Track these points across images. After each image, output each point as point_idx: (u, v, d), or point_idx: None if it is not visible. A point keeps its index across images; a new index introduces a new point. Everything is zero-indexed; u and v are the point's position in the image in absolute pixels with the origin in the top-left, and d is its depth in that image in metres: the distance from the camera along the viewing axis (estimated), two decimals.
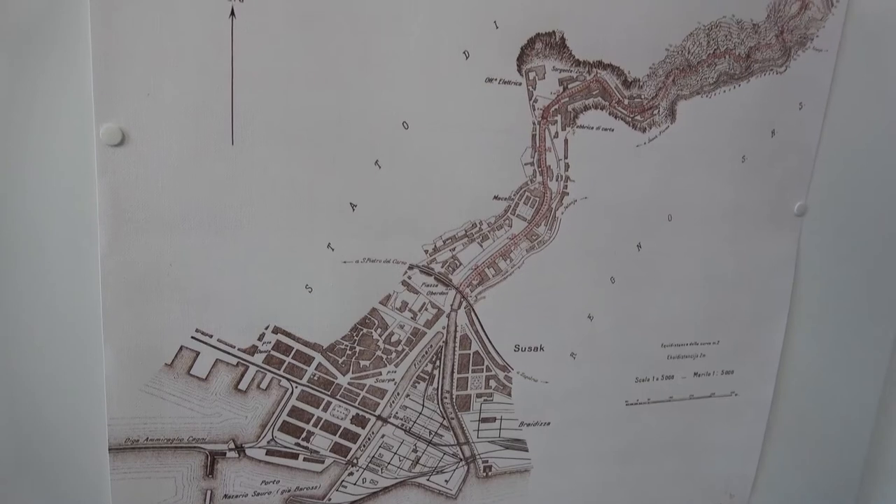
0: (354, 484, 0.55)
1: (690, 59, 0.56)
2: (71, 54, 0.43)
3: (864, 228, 0.68)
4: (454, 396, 0.57)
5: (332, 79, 0.47)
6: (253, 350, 0.50)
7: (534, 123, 0.53)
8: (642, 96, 0.56)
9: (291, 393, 0.52)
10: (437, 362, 0.56)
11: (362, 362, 0.54)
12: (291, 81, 0.47)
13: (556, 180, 0.55)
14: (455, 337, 0.56)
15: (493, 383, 0.58)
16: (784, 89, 0.60)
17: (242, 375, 0.51)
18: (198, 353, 0.49)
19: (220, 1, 0.44)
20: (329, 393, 0.53)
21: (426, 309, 0.54)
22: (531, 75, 0.52)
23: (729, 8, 0.56)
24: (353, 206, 0.50)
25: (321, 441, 0.54)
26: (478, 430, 0.58)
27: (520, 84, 0.52)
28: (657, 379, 0.64)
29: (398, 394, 0.55)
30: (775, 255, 0.65)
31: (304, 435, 0.53)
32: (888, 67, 0.63)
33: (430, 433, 0.57)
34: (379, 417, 0.55)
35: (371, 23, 0.47)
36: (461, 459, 0.58)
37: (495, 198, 0.54)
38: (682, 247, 0.61)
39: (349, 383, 0.54)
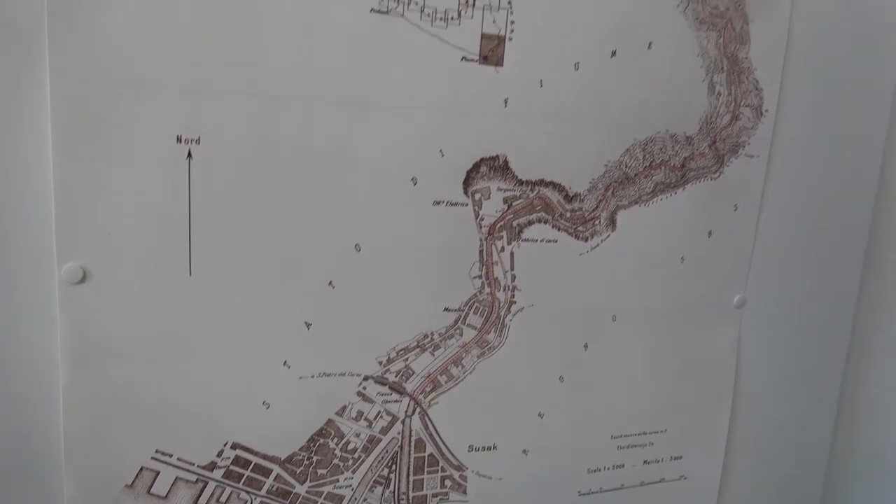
0: None
1: (628, 172, 0.60)
2: (33, 198, 0.45)
3: (800, 315, 0.72)
4: (410, 498, 0.59)
5: (287, 210, 0.50)
6: (212, 466, 0.52)
7: (481, 240, 0.56)
8: (584, 209, 0.59)
9: None
10: (394, 466, 0.58)
11: (319, 471, 0.56)
12: (247, 214, 0.49)
13: (504, 290, 0.58)
14: (410, 441, 0.58)
15: (448, 482, 0.60)
16: (719, 193, 0.64)
17: (202, 491, 0.52)
18: (157, 473, 0.51)
19: (178, 144, 0.47)
20: (288, 502, 0.55)
21: (381, 416, 0.57)
22: (477, 196, 0.55)
23: (663, 124, 0.60)
24: (308, 324, 0.53)
25: None
26: None
27: (466, 205, 0.55)
28: (608, 469, 0.66)
29: (356, 499, 0.57)
30: (718, 345, 0.68)
31: None
32: (816, 167, 0.68)
33: None
34: None
35: (323, 156, 0.50)
36: None
37: (445, 309, 0.57)
38: (628, 344, 0.64)
39: (307, 492, 0.56)
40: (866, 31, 0.67)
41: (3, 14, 0.42)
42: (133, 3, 0.44)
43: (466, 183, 0.55)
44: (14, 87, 0.44)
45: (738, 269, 0.67)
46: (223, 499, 0.53)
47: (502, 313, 0.58)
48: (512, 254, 0.58)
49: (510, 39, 0.53)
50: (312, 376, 0.54)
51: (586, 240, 0.60)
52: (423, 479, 0.59)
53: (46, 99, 0.43)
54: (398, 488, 0.58)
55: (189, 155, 0.47)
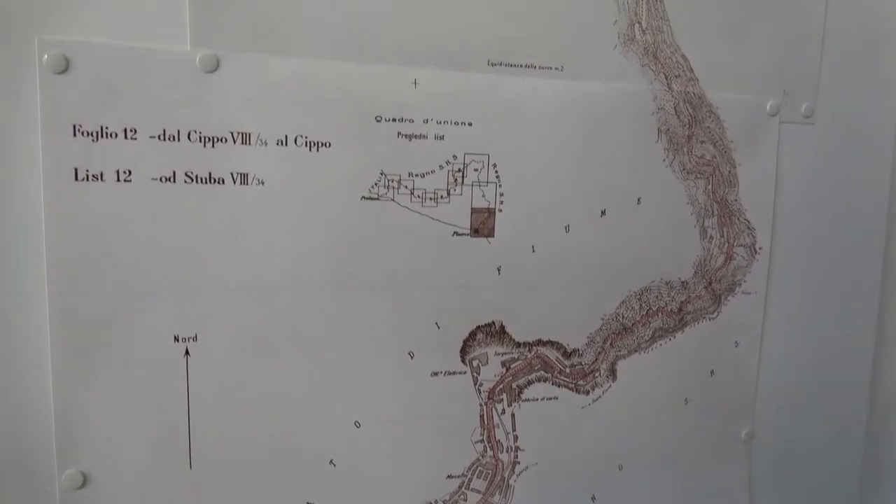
0: None
1: (625, 323, 0.60)
2: (33, 405, 0.46)
3: (810, 442, 0.70)
4: None
5: (286, 394, 0.50)
6: None
7: (480, 405, 0.56)
8: (583, 363, 0.59)
9: None
10: None
11: None
12: (247, 403, 0.50)
13: (507, 452, 0.58)
14: None
15: None
16: (718, 332, 0.64)
17: None
18: None
19: (175, 344, 0.47)
20: None
21: None
22: (475, 363, 0.55)
23: (657, 273, 0.60)
24: None
25: None
26: None
27: (464, 373, 0.55)
28: None
29: None
30: (729, 481, 0.67)
31: None
32: (813, 299, 0.68)
33: None
34: None
35: (319, 340, 0.51)
36: None
37: (448, 476, 0.56)
38: (637, 491, 0.63)
39: None
40: (853, 166, 0.67)
41: (2, 235, 0.44)
42: (126, 216, 0.45)
43: (463, 351, 0.55)
44: (14, 304, 0.45)
45: (743, 404, 0.66)
46: None
47: (506, 475, 0.58)
48: (513, 415, 0.57)
49: (500, 211, 0.54)
50: None
51: (587, 393, 0.60)
52: None
53: (45, 313, 0.44)
54: None
55: (187, 353, 0.48)
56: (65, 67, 0.43)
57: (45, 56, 0.43)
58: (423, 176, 0.52)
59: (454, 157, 0.52)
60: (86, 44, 0.44)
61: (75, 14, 0.44)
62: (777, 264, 0.66)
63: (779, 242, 0.65)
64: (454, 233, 0.53)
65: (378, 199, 0.51)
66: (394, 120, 0.51)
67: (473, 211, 0.54)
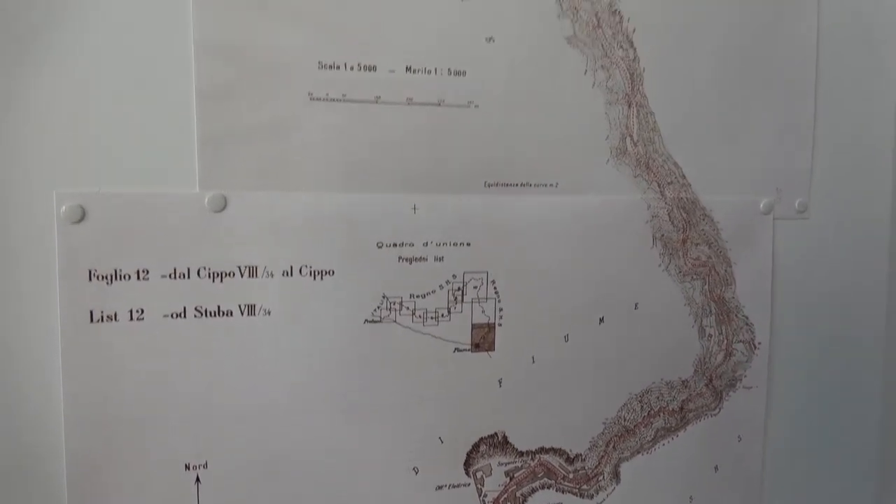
0: None
1: (627, 425, 0.61)
2: None
3: None
4: None
5: None
6: None
7: None
8: (586, 467, 0.60)
9: None
10: None
11: None
12: None
13: None
14: None
15: None
16: (720, 428, 0.65)
17: None
18: None
19: (186, 472, 0.49)
20: None
21: None
22: (479, 475, 0.56)
23: (657, 374, 0.61)
24: None
25: None
26: None
27: (468, 485, 0.56)
28: None
29: None
30: None
31: None
32: (815, 389, 0.68)
33: None
34: None
35: (326, 466, 0.52)
36: None
37: None
38: None
39: None
40: (849, 257, 0.68)
41: (20, 374, 0.46)
42: (139, 352, 0.47)
43: (467, 464, 0.56)
44: (33, 442, 0.47)
45: (748, 498, 0.67)
46: None
47: None
48: None
49: (500, 325, 0.56)
50: None
51: (591, 497, 0.60)
52: None
53: (62, 449, 0.46)
54: None
55: (197, 480, 0.49)
56: (81, 217, 0.46)
57: (63, 207, 0.45)
58: (423, 296, 0.54)
59: (454, 276, 0.54)
60: (100, 194, 0.46)
61: (90, 166, 0.46)
62: (777, 358, 0.66)
63: (777, 337, 0.66)
64: (455, 349, 0.55)
65: (380, 321, 0.53)
66: (394, 245, 0.52)
67: (474, 327, 0.55)
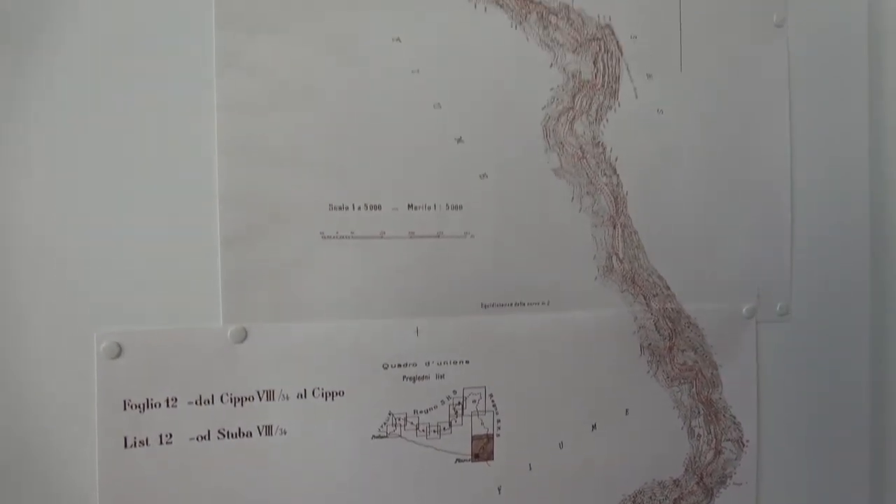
0: None
1: None
2: None
3: None
4: None
5: None
6: None
7: None
8: None
9: None
10: None
11: None
12: None
13: None
14: None
15: None
16: None
17: None
18: None
19: None
20: None
21: None
22: None
23: (649, 475, 0.65)
24: None
25: None
26: None
27: None
28: None
29: None
30: None
31: None
32: (803, 489, 0.71)
33: None
34: None
35: None
36: None
37: None
38: None
39: None
40: (831, 355, 0.72)
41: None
42: (168, 474, 0.52)
43: None
44: None
45: None
46: None
47: None
48: None
49: (498, 436, 0.60)
50: None
51: None
52: None
53: None
54: None
55: None
56: (118, 353, 0.51)
57: (102, 345, 0.51)
58: (426, 412, 0.58)
59: (454, 392, 0.59)
60: (136, 332, 0.52)
61: (127, 306, 0.52)
62: (765, 455, 0.70)
63: (765, 434, 0.70)
64: (456, 459, 0.59)
65: (387, 436, 0.57)
66: (399, 366, 0.57)
67: (474, 438, 0.59)
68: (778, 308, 0.70)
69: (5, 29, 0.49)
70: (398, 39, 0.57)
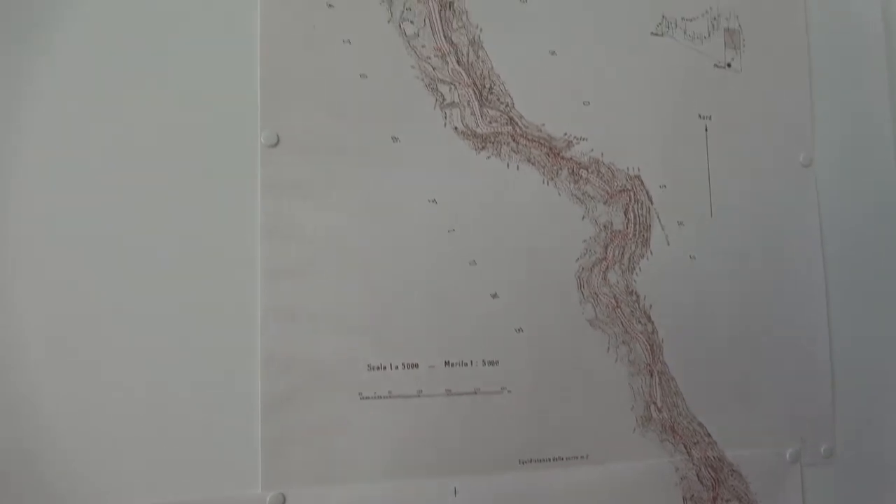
0: None
1: None
2: None
3: None
4: None
5: None
6: None
7: None
8: None
9: None
10: None
11: None
12: None
13: None
14: None
15: None
16: None
17: None
18: None
19: None
20: None
21: None
22: None
23: None
24: None
25: None
26: None
27: None
28: None
29: None
30: None
31: None
32: None
33: None
34: None
35: None
36: None
37: None
38: None
39: None
40: (879, 495, 0.69)
41: None
42: None
43: None
44: None
45: None
46: None
47: None
48: None
49: None
50: None
51: None
52: None
53: None
54: None
55: None
56: None
57: None
58: None
59: None
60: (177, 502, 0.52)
61: (165, 478, 0.52)
62: None
63: None
64: None
65: None
66: None
67: None
68: (822, 451, 0.68)
69: None
70: (434, 201, 0.59)
